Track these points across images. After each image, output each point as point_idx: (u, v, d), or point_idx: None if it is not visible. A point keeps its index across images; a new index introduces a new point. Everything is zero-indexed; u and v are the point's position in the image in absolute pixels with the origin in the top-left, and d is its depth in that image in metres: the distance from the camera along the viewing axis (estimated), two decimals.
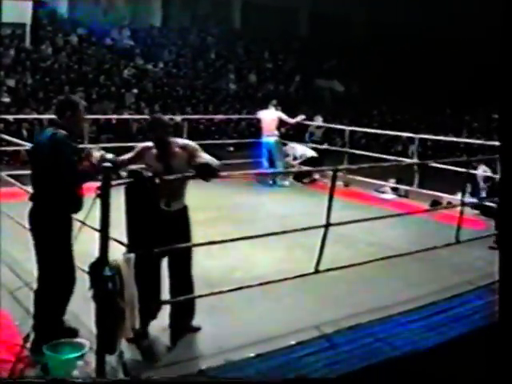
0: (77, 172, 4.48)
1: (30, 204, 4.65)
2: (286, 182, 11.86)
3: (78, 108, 4.71)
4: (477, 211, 9.38)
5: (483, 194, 10.37)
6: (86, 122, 4.92)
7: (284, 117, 11.93)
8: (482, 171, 10.31)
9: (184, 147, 4.83)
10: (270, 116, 11.88)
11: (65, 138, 4.51)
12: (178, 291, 4.94)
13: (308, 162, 12.31)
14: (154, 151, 4.84)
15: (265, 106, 12.56)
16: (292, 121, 12.15)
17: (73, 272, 4.65)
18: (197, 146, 4.89)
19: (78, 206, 4.59)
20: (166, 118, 5.13)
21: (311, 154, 12.45)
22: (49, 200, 4.50)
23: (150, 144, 4.90)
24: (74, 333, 4.66)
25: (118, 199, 4.46)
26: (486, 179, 10.28)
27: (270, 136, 11.80)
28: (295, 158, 12.43)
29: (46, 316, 4.57)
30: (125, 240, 4.70)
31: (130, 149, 5.11)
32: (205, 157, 4.76)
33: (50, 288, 4.56)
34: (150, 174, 4.56)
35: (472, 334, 5.32)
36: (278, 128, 12.00)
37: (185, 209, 4.97)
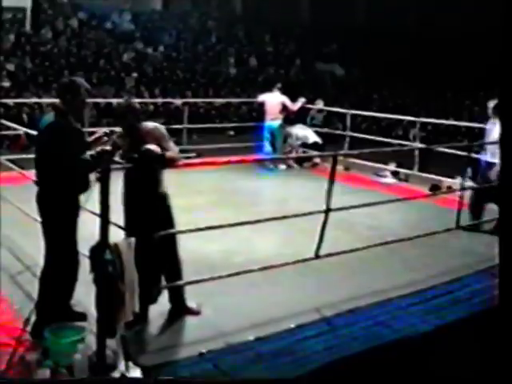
0: (81, 161, 4.44)
1: (30, 188, 4.66)
2: (283, 166, 11.87)
3: (79, 91, 4.63)
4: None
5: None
6: (88, 105, 4.86)
7: (287, 102, 11.86)
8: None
9: (152, 132, 4.76)
10: (274, 99, 11.82)
11: (63, 127, 4.48)
12: (167, 274, 4.98)
13: (311, 147, 12.35)
14: (126, 137, 4.80)
15: (265, 90, 12.53)
16: (294, 107, 12.08)
17: (77, 255, 4.66)
18: (164, 132, 4.84)
19: (83, 186, 4.58)
20: (137, 102, 4.98)
21: (314, 139, 12.46)
22: (54, 183, 4.50)
23: (119, 130, 4.86)
24: (82, 317, 4.69)
25: (117, 182, 4.46)
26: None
27: (273, 120, 11.77)
28: (298, 139, 12.46)
29: (49, 299, 4.59)
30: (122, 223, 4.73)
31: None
32: (169, 145, 4.76)
33: (55, 271, 4.58)
34: (160, 152, 4.55)
35: (471, 317, 5.33)
36: (281, 112, 11.96)
37: (165, 195, 4.94)
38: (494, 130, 7.51)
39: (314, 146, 12.34)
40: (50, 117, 4.60)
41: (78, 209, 4.63)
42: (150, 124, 4.86)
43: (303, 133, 12.54)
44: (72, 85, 4.69)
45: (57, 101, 4.70)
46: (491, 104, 7.61)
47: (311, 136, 12.50)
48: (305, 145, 12.50)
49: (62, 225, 4.54)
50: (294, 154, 12.32)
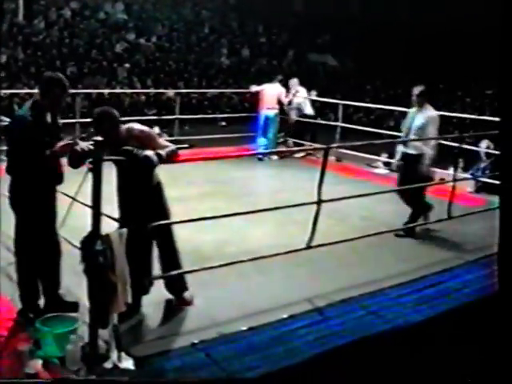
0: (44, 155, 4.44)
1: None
2: (275, 157, 11.88)
3: (51, 90, 4.59)
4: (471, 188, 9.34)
5: (481, 170, 10.11)
6: (63, 102, 4.82)
7: (282, 96, 11.99)
8: (484, 146, 10.14)
9: (137, 135, 4.68)
10: (273, 90, 11.90)
11: (24, 122, 4.49)
12: (165, 263, 4.99)
13: (304, 134, 12.48)
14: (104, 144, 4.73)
15: (258, 81, 12.54)
16: (286, 101, 12.19)
17: (57, 245, 4.66)
18: (150, 132, 4.81)
19: (53, 178, 4.62)
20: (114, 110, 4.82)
21: (309, 111, 12.83)
22: (23, 172, 4.50)
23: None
24: (74, 306, 4.69)
25: (109, 173, 4.45)
26: (488, 154, 10.08)
27: (270, 109, 11.80)
28: (298, 109, 12.72)
29: (25, 280, 4.67)
30: (116, 215, 4.72)
31: (123, 123, 5.03)
32: (161, 143, 4.73)
33: (28, 260, 4.64)
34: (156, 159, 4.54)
35: (462, 307, 5.36)
36: (277, 103, 12.00)
37: (158, 185, 4.92)
38: (416, 118, 7.23)
39: (307, 131, 12.56)
40: (23, 109, 4.62)
41: (52, 196, 4.65)
42: (137, 126, 4.78)
43: (299, 100, 12.73)
44: (46, 80, 4.69)
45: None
46: (416, 91, 7.23)
47: (307, 106, 12.84)
48: (298, 133, 12.57)
49: (33, 213, 4.57)
50: (284, 149, 12.42)
